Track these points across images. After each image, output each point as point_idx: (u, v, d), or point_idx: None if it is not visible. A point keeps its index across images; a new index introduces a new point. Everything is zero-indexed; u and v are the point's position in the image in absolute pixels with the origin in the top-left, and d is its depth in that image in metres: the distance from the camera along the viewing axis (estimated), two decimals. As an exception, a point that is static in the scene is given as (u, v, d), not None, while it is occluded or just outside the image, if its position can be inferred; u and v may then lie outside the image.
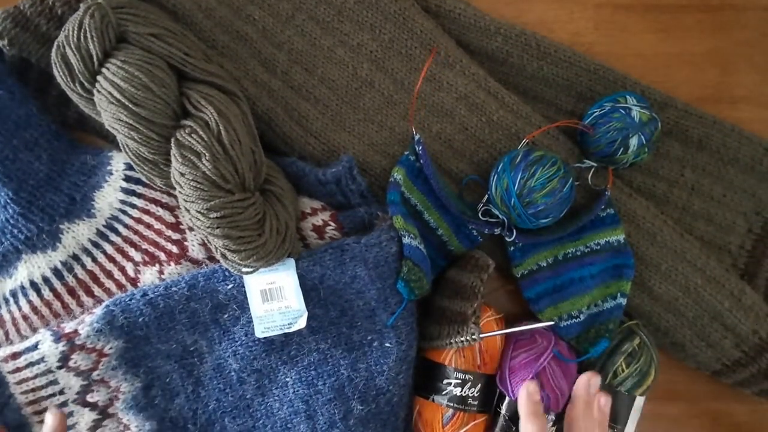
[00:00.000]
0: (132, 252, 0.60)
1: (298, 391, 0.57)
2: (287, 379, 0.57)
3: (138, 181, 0.59)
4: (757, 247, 0.64)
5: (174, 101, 0.51)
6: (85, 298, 0.60)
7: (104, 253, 0.60)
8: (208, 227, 0.51)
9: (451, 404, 0.58)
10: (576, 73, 0.63)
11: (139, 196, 0.60)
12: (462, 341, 0.56)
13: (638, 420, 0.60)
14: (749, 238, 0.64)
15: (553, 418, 0.59)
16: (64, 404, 0.57)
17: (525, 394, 0.53)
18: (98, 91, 0.51)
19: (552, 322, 0.59)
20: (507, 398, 0.59)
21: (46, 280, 0.60)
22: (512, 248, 0.61)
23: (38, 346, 0.56)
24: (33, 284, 0.60)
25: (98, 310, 0.56)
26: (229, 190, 0.51)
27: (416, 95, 0.61)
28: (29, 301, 0.60)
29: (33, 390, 0.57)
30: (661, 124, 0.60)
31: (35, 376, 0.57)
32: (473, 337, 0.55)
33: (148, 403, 0.58)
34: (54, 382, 0.57)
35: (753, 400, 0.66)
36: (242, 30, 0.60)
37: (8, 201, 0.58)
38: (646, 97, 0.62)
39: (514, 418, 0.58)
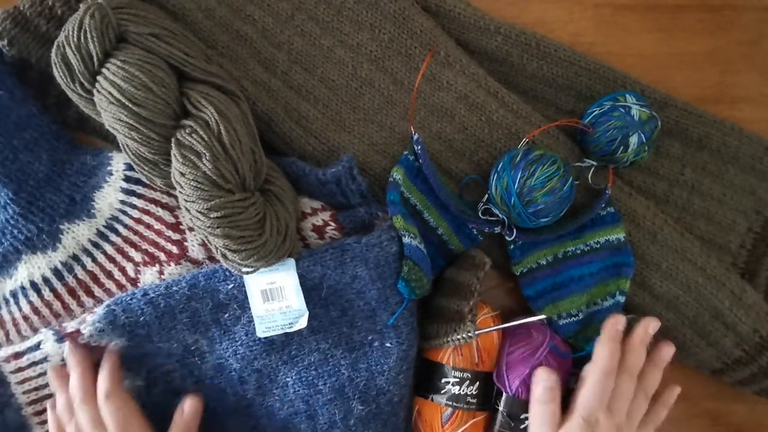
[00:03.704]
0: (132, 252, 0.60)
1: (298, 391, 0.57)
2: (288, 379, 0.57)
3: (138, 182, 0.59)
4: (757, 246, 0.64)
5: (174, 101, 0.51)
6: (85, 298, 0.60)
7: (104, 253, 0.60)
8: (209, 227, 0.51)
9: (450, 403, 0.58)
10: (576, 73, 0.63)
11: (139, 196, 0.60)
12: (458, 339, 0.56)
13: None
14: (749, 237, 0.64)
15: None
16: (65, 404, 0.57)
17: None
18: (98, 91, 0.51)
19: (544, 316, 0.60)
20: (504, 394, 0.59)
21: (46, 280, 0.60)
22: (512, 247, 0.61)
23: (40, 346, 0.56)
24: (33, 284, 0.60)
25: (99, 310, 0.56)
26: (230, 190, 0.51)
27: (415, 95, 0.61)
28: (29, 302, 0.60)
29: (35, 389, 0.57)
30: (661, 123, 0.60)
31: (38, 376, 0.57)
32: (469, 334, 0.55)
33: (149, 402, 0.57)
34: (56, 382, 0.57)
35: (753, 400, 0.66)
36: (242, 30, 0.60)
37: (8, 201, 0.59)
38: (646, 96, 0.62)
39: (512, 414, 0.58)
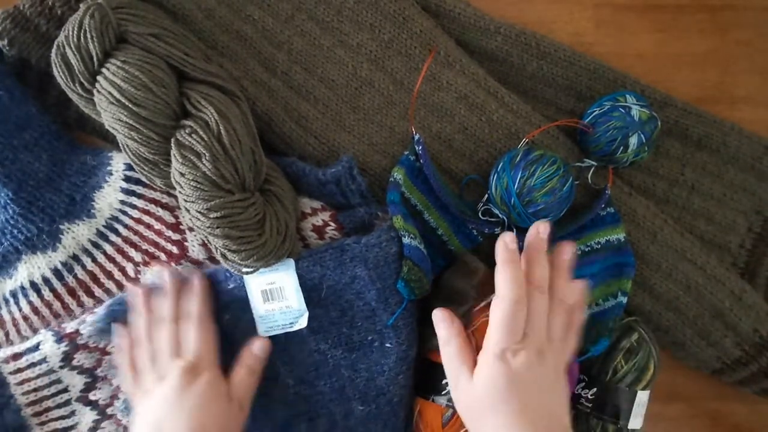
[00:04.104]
0: (132, 252, 0.60)
1: (298, 392, 0.57)
2: (288, 380, 0.57)
3: (138, 182, 0.59)
4: (757, 245, 0.64)
5: (174, 101, 0.51)
6: (85, 298, 0.60)
7: (104, 253, 0.60)
8: (208, 227, 0.51)
9: (451, 404, 0.57)
10: (576, 73, 0.63)
11: (139, 196, 0.60)
12: None
13: (644, 414, 0.60)
14: (749, 237, 0.64)
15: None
16: (67, 402, 0.57)
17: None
18: (98, 92, 0.51)
19: None
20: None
21: (46, 280, 0.60)
22: (512, 248, 0.61)
23: (39, 347, 0.56)
24: (33, 285, 0.60)
25: (100, 310, 0.56)
26: (229, 190, 0.51)
27: (416, 95, 0.61)
28: (29, 302, 0.60)
29: (35, 390, 0.57)
30: (661, 123, 0.60)
31: (37, 377, 0.57)
32: None
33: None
34: (57, 381, 0.57)
35: (753, 400, 0.66)
36: (242, 30, 0.60)
37: (8, 201, 0.58)
38: (646, 96, 0.62)
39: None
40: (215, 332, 0.55)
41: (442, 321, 0.53)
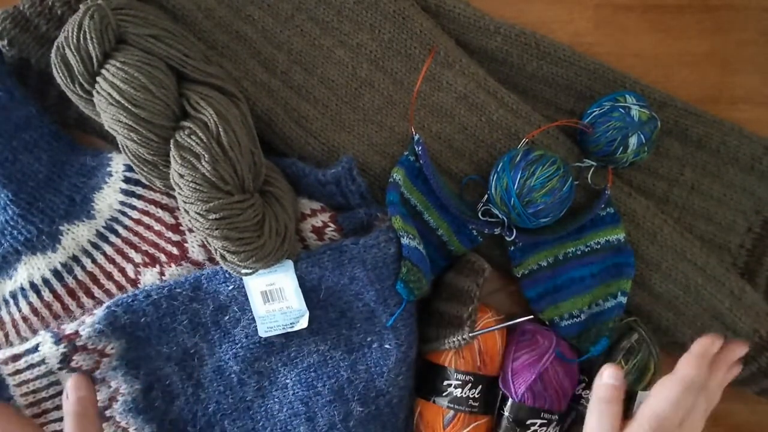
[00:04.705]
0: (132, 253, 0.60)
1: (297, 392, 0.57)
2: (287, 381, 0.57)
3: (138, 183, 0.59)
4: (757, 246, 0.64)
5: (173, 102, 0.51)
6: (85, 299, 0.60)
7: (104, 254, 0.60)
8: (207, 228, 0.51)
9: (452, 405, 0.57)
10: (575, 73, 0.63)
11: (139, 197, 0.59)
12: (454, 341, 0.56)
13: None
14: (749, 237, 0.64)
15: (557, 418, 0.59)
16: (64, 405, 0.57)
17: (604, 377, 0.53)
18: (98, 92, 0.51)
19: (530, 316, 0.59)
20: (510, 400, 0.58)
21: (45, 281, 0.60)
22: (512, 248, 0.61)
23: (38, 348, 0.56)
24: (33, 286, 0.59)
25: (99, 312, 0.56)
26: (228, 192, 0.51)
27: (416, 95, 0.61)
28: (29, 303, 0.59)
29: (34, 392, 0.57)
30: (661, 123, 0.60)
31: (36, 378, 0.56)
32: (464, 337, 0.55)
33: (147, 405, 0.57)
34: (56, 383, 0.57)
35: (753, 400, 0.66)
36: (242, 30, 0.60)
37: (8, 202, 0.58)
38: (646, 97, 0.62)
39: (518, 420, 0.58)
40: None
41: (610, 377, 0.53)
